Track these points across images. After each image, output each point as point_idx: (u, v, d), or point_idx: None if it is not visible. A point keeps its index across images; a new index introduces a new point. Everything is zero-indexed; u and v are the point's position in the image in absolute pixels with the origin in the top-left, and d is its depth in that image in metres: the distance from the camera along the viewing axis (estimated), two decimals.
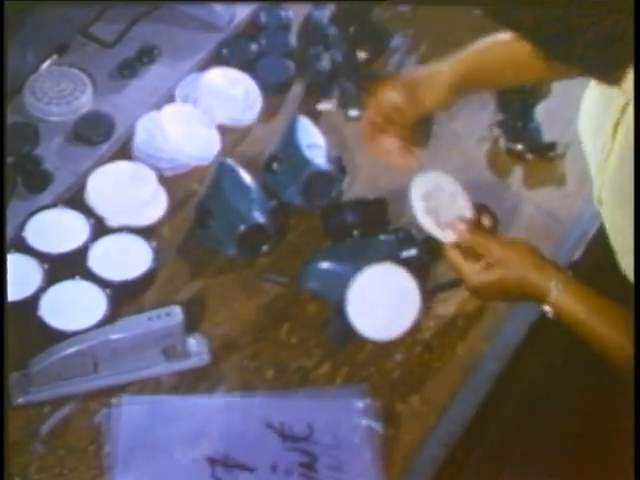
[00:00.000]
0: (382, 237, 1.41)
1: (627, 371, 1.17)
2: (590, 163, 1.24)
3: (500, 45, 1.37)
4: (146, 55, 1.65)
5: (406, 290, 1.33)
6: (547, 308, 1.23)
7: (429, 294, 1.37)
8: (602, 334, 1.20)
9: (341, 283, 1.33)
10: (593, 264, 1.45)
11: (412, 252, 1.37)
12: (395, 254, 1.37)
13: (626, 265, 1.20)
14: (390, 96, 1.37)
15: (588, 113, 1.24)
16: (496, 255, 1.26)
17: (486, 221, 1.37)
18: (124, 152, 1.54)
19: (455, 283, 1.39)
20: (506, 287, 1.26)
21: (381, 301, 1.33)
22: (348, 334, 1.33)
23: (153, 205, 1.48)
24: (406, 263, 1.34)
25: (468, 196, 1.33)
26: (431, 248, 1.38)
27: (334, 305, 1.36)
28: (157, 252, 1.42)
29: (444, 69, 1.38)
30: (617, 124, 1.14)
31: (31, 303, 1.34)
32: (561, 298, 1.22)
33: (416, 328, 1.35)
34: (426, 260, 1.39)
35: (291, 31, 1.72)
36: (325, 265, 1.40)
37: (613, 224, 1.20)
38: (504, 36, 1.37)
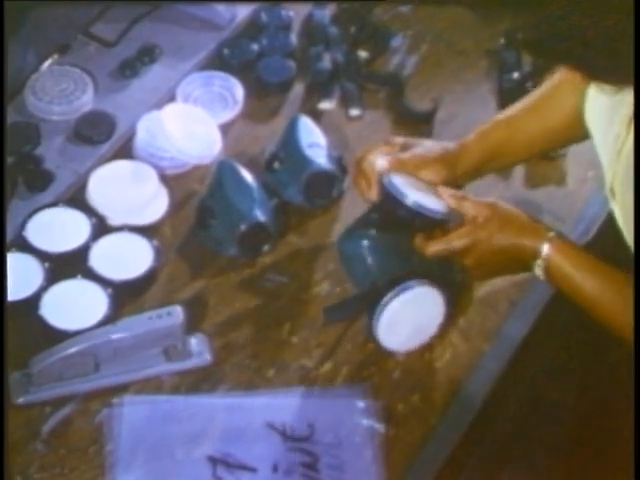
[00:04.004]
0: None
1: (618, 336, 1.19)
2: (600, 152, 1.23)
3: (526, 118, 1.37)
4: (147, 55, 1.65)
5: (434, 308, 1.32)
6: (538, 264, 1.23)
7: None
8: (593, 294, 1.21)
9: (373, 266, 1.31)
10: None
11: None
12: (443, 271, 1.33)
13: None
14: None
15: (601, 99, 1.23)
16: (485, 213, 1.26)
17: None
18: (125, 151, 1.54)
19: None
20: (494, 248, 1.25)
21: (411, 322, 1.32)
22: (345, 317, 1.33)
23: (154, 204, 1.48)
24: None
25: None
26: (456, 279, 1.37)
27: (355, 284, 1.34)
28: (158, 251, 1.42)
29: (457, 150, 1.36)
30: (632, 116, 1.14)
31: (32, 302, 1.34)
32: (552, 255, 1.23)
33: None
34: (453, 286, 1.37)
35: (292, 31, 1.72)
36: (370, 240, 1.32)
37: (627, 215, 1.20)
38: (524, 105, 1.38)
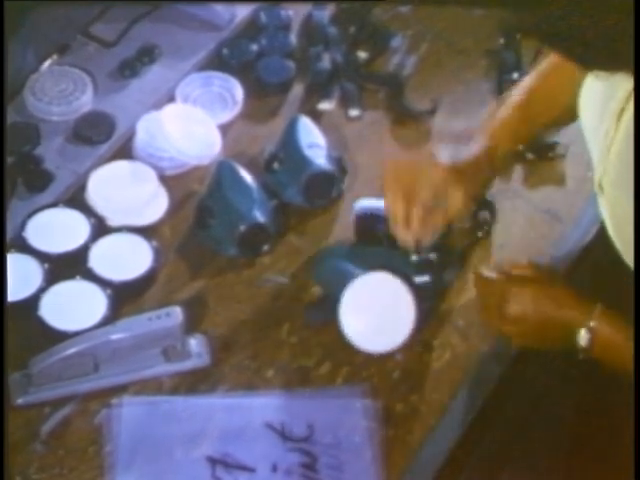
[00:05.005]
0: (405, 256, 1.35)
1: None
2: (591, 148, 1.23)
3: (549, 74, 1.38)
4: (146, 55, 1.65)
5: (401, 305, 1.32)
6: (583, 335, 1.21)
7: None
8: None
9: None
10: (593, 264, 1.45)
11: (425, 278, 1.35)
12: (410, 275, 1.34)
13: (628, 254, 1.19)
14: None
15: (592, 96, 1.23)
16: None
17: (486, 215, 1.45)
18: (124, 152, 1.54)
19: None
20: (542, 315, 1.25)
21: (374, 311, 1.33)
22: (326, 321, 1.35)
23: (153, 205, 1.48)
24: (418, 287, 1.33)
25: None
26: (443, 278, 1.38)
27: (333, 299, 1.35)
28: (157, 252, 1.42)
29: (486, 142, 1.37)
30: (623, 110, 1.14)
31: (31, 303, 1.35)
32: (599, 326, 1.21)
33: (416, 328, 1.35)
34: (438, 288, 1.38)
35: (291, 31, 1.72)
36: (341, 262, 1.38)
37: (615, 212, 1.19)
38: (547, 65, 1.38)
